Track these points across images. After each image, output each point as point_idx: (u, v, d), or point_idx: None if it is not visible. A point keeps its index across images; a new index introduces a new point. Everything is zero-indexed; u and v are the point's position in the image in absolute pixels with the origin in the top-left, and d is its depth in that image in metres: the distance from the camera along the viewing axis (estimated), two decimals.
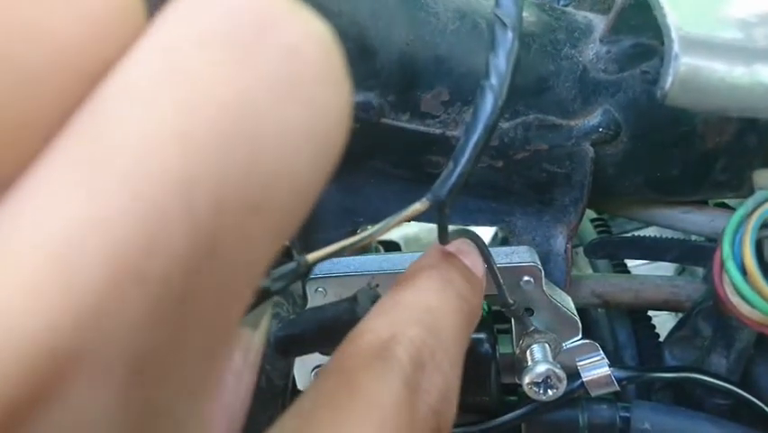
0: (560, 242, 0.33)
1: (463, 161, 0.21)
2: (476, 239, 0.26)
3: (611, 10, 0.29)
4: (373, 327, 0.18)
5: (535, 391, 0.29)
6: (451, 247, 0.23)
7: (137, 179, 0.08)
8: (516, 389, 0.35)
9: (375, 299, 0.24)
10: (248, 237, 0.09)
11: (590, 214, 0.49)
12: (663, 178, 0.31)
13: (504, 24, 0.21)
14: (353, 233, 0.37)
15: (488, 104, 0.20)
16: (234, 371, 0.19)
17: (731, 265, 0.26)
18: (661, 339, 0.39)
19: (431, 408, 0.16)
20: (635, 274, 0.37)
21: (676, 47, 0.22)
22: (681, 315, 0.36)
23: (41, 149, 0.08)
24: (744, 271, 0.26)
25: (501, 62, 0.20)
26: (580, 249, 0.48)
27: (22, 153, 0.08)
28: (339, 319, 0.24)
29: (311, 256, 0.21)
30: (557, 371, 0.29)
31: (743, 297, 0.26)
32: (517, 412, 0.33)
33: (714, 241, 0.33)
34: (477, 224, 0.34)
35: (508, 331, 0.34)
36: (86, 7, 0.08)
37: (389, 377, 0.16)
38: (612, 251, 0.36)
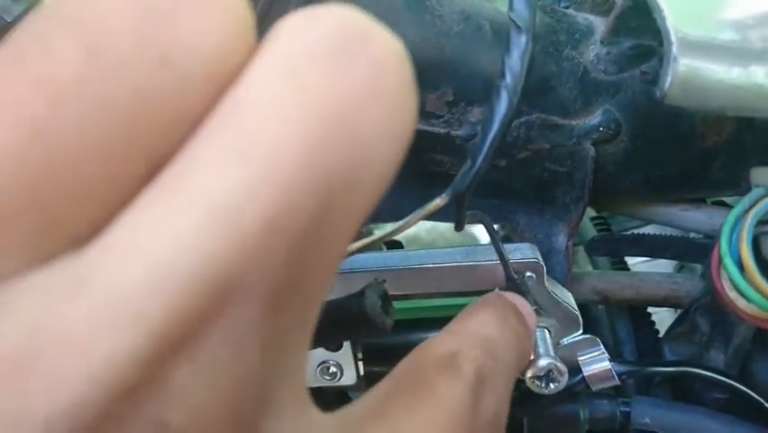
0: (561, 239, 0.34)
1: (481, 157, 0.22)
2: (485, 221, 0.27)
3: (611, 12, 0.29)
4: (442, 342, 0.21)
5: (538, 385, 0.30)
6: (508, 295, 0.27)
7: (279, 159, 0.10)
8: (517, 384, 0.36)
9: (382, 293, 0.25)
10: (346, 209, 0.11)
11: (590, 212, 0.50)
12: (663, 176, 0.32)
13: (518, 27, 0.22)
14: (359, 231, 0.38)
15: (503, 103, 0.21)
16: None
17: (728, 261, 0.26)
18: (660, 335, 0.40)
19: (488, 421, 0.19)
20: (634, 271, 0.38)
21: (675, 49, 0.23)
22: (680, 311, 0.37)
23: (192, 132, 0.10)
24: (741, 266, 0.27)
25: (516, 63, 0.21)
26: (581, 247, 0.49)
27: (175, 135, 0.10)
28: (348, 313, 0.25)
29: None
30: (559, 365, 0.29)
31: (740, 292, 0.26)
32: (519, 407, 0.34)
33: (712, 238, 0.33)
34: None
35: None
36: (225, 23, 0.10)
37: (458, 383, 0.18)
38: (612, 248, 0.37)
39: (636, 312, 0.40)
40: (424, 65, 0.28)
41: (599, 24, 0.31)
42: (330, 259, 0.12)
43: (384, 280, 0.27)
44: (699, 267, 0.39)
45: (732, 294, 0.28)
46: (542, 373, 0.30)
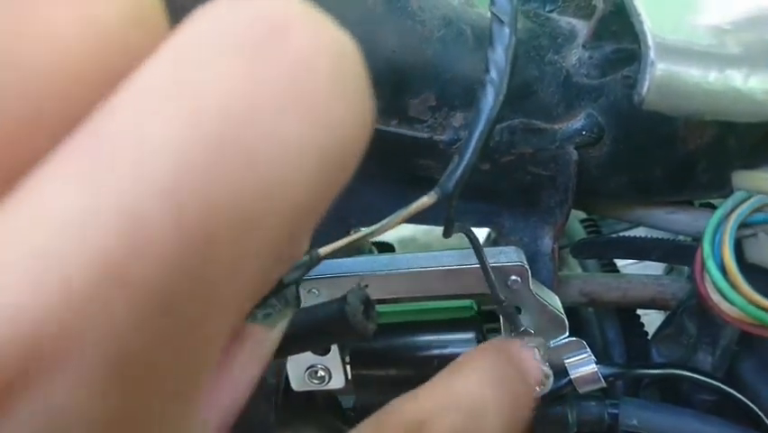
0: (546, 242, 0.34)
1: (468, 153, 0.22)
2: (470, 234, 0.27)
3: (593, 16, 0.30)
4: (417, 402, 0.19)
5: None
6: (513, 346, 0.24)
7: (128, 188, 0.08)
8: None
9: (365, 299, 0.25)
10: (241, 253, 0.09)
11: (580, 215, 0.50)
12: (647, 179, 0.32)
13: (501, 21, 0.22)
14: (347, 235, 0.38)
15: (489, 97, 0.21)
16: (240, 363, 0.19)
17: (711, 264, 0.26)
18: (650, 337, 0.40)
19: None
20: (622, 273, 0.38)
21: (652, 53, 0.23)
22: (668, 313, 0.37)
23: (46, 150, 0.08)
24: (723, 269, 0.27)
25: (500, 57, 0.21)
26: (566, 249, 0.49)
27: (24, 154, 0.08)
28: (330, 319, 0.25)
29: (323, 250, 0.22)
30: (544, 368, 0.29)
31: (722, 295, 0.27)
32: None
33: (698, 240, 0.34)
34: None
35: (498, 331, 0.35)
36: (97, 17, 0.08)
37: None
38: (598, 251, 0.37)
39: (625, 314, 0.40)
40: (405, 70, 0.28)
41: (582, 28, 0.31)
42: (220, 312, 0.09)
43: (366, 285, 0.27)
44: (687, 269, 0.39)
45: (715, 297, 0.28)
46: None
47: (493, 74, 0.22)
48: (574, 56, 0.30)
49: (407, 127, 0.29)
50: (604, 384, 0.32)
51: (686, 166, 0.31)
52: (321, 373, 0.36)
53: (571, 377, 0.33)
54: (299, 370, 0.36)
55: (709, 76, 0.23)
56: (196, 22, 0.09)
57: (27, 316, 0.07)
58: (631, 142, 0.30)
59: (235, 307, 0.09)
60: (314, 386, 0.36)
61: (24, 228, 0.08)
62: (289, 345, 0.25)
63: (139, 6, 0.09)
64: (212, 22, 0.09)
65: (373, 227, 0.24)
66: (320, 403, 0.41)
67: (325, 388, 0.36)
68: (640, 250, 0.35)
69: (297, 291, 0.33)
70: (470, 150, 0.22)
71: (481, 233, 0.62)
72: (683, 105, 0.23)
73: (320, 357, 0.35)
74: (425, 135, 0.29)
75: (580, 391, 0.33)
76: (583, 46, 0.30)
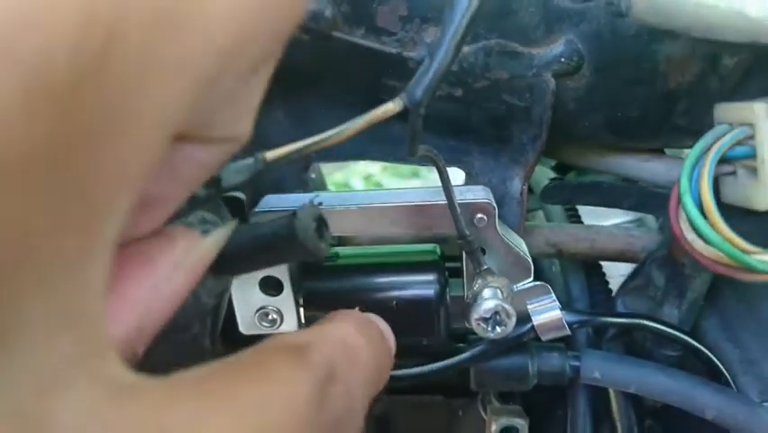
0: (516, 184, 0.32)
1: (441, 54, 0.19)
2: (436, 158, 0.24)
3: None
4: (297, 334, 0.19)
5: (483, 328, 0.28)
6: (372, 317, 0.24)
7: None
8: (465, 336, 0.34)
9: (317, 217, 0.23)
10: (159, 58, 0.07)
11: (549, 173, 0.49)
12: (624, 118, 0.30)
13: None
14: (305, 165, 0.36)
15: None
16: (166, 264, 0.17)
17: (688, 199, 0.25)
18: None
19: (334, 418, 0.16)
20: (590, 225, 0.36)
21: None
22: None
23: None
24: (700, 206, 0.25)
25: None
26: (538, 212, 0.48)
27: None
28: (276, 236, 0.22)
29: (269, 154, 0.20)
30: (506, 306, 0.28)
31: (698, 232, 0.25)
32: (464, 355, 0.32)
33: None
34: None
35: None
36: None
37: (304, 372, 0.16)
38: (568, 195, 0.35)
39: (590, 269, 0.39)
40: None
41: None
42: (129, 132, 0.08)
43: (320, 203, 0.25)
44: (655, 223, 0.38)
45: (690, 236, 0.26)
46: (488, 315, 0.28)
47: None
48: None
49: (374, 40, 0.27)
50: (568, 331, 0.31)
51: (665, 105, 0.30)
52: (272, 315, 0.33)
53: (534, 323, 0.31)
54: (249, 312, 0.33)
55: None
56: None
57: None
58: (611, 74, 0.28)
59: (150, 132, 0.08)
60: (264, 330, 0.33)
61: None
62: (229, 262, 0.23)
63: None
64: None
65: (326, 134, 0.22)
66: None
67: (277, 332, 0.33)
68: (612, 196, 0.33)
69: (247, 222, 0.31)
70: (443, 50, 0.20)
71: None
72: (672, 18, 0.22)
73: (271, 298, 0.33)
74: (394, 51, 0.27)
75: (543, 338, 0.31)
76: None
